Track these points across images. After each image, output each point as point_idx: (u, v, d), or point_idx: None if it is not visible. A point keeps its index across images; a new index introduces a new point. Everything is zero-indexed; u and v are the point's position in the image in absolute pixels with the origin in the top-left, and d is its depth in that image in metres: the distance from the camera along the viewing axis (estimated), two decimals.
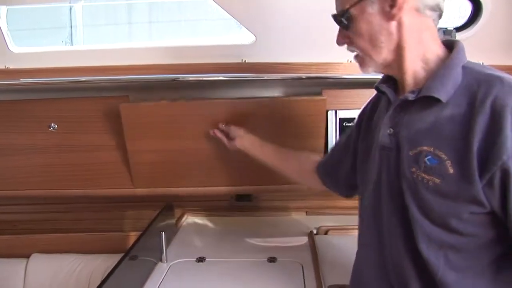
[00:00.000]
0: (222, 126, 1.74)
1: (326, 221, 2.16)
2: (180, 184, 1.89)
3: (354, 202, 2.20)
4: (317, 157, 1.54)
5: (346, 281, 1.44)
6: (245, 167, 1.85)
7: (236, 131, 1.69)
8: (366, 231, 1.23)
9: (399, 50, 1.07)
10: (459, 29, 1.71)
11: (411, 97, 1.05)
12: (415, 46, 1.07)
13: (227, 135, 1.73)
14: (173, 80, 1.76)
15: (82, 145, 1.81)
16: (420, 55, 1.07)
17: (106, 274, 1.85)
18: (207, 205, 2.25)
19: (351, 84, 1.84)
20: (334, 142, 1.87)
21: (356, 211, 2.20)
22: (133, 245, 1.47)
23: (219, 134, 1.74)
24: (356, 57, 1.14)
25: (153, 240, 1.66)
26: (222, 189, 1.94)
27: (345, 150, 1.40)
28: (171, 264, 1.68)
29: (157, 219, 1.77)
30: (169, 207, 1.98)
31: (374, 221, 1.18)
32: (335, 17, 1.11)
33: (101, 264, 1.91)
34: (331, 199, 2.26)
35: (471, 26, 1.69)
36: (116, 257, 1.93)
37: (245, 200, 2.27)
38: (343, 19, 1.08)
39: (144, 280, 1.51)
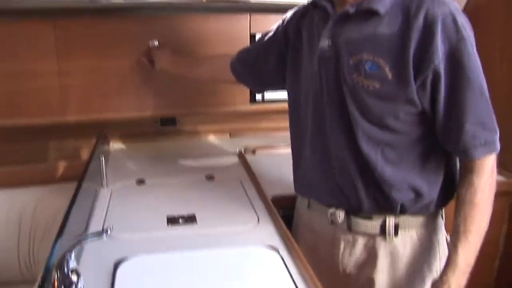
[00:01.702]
0: (153, 43, 1.80)
1: (250, 141, 2.26)
2: (109, 109, 1.86)
3: (275, 123, 2.36)
4: (228, 56, 1.63)
5: (285, 192, 1.59)
6: (169, 90, 1.92)
7: (154, 54, 1.78)
8: (309, 136, 1.31)
9: None
10: None
11: (351, 10, 1.14)
12: None
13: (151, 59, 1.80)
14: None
15: (4, 72, 1.68)
16: None
17: (38, 206, 1.81)
18: (132, 132, 2.22)
19: (278, 10, 1.89)
20: None
21: (277, 132, 2.35)
22: (84, 173, 1.44)
23: (144, 61, 1.81)
24: None
25: (90, 167, 1.63)
26: (147, 113, 1.96)
27: (268, 51, 1.48)
28: (112, 188, 1.67)
29: (96, 146, 1.74)
30: (103, 134, 1.94)
31: (317, 126, 1.27)
32: None
33: (31, 197, 1.81)
34: (253, 121, 2.37)
35: None
36: (45, 188, 1.87)
37: (170, 124, 2.28)
38: None
39: (91, 207, 1.50)
